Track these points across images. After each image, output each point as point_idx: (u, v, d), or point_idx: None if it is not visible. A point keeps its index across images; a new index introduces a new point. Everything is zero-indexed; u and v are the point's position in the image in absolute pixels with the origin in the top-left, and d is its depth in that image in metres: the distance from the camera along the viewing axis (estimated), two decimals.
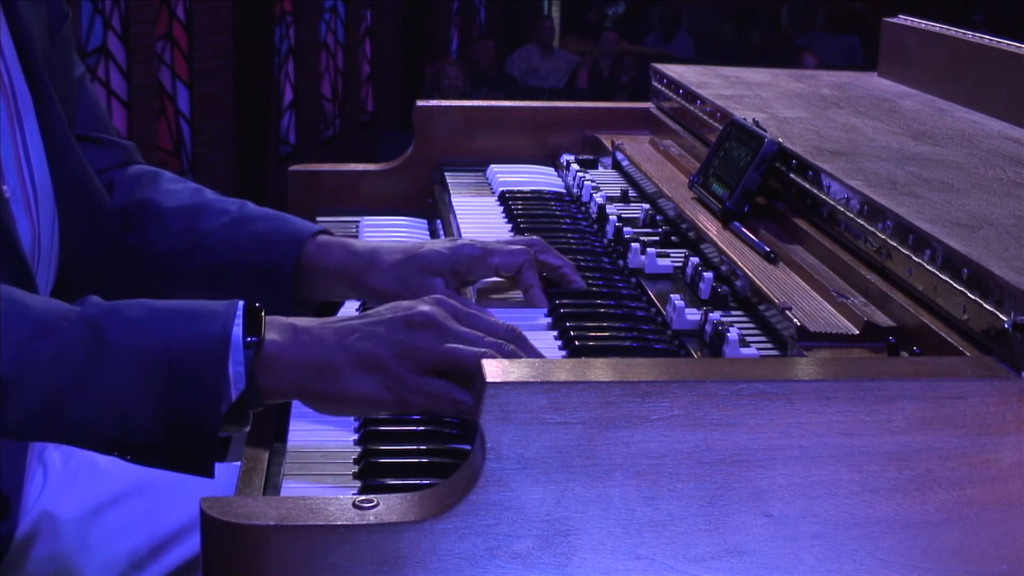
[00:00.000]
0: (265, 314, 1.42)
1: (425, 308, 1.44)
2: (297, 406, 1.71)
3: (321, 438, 1.63)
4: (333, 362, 1.41)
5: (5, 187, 1.68)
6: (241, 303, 1.41)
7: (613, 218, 2.16)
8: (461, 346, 1.42)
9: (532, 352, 1.49)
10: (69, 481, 1.85)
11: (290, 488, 1.51)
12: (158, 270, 1.89)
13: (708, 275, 1.84)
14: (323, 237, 1.88)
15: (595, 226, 2.25)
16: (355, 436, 1.62)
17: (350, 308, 2.03)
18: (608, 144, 2.69)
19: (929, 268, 1.52)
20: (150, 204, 1.94)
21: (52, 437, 1.42)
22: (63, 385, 1.36)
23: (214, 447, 1.39)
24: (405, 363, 1.41)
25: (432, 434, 1.61)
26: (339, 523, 1.22)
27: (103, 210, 1.91)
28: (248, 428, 1.44)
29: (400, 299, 1.58)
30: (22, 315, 1.38)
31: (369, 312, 1.47)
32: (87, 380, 1.36)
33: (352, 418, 1.67)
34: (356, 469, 1.54)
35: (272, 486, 1.53)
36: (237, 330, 1.39)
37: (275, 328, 1.42)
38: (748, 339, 1.63)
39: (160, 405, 1.36)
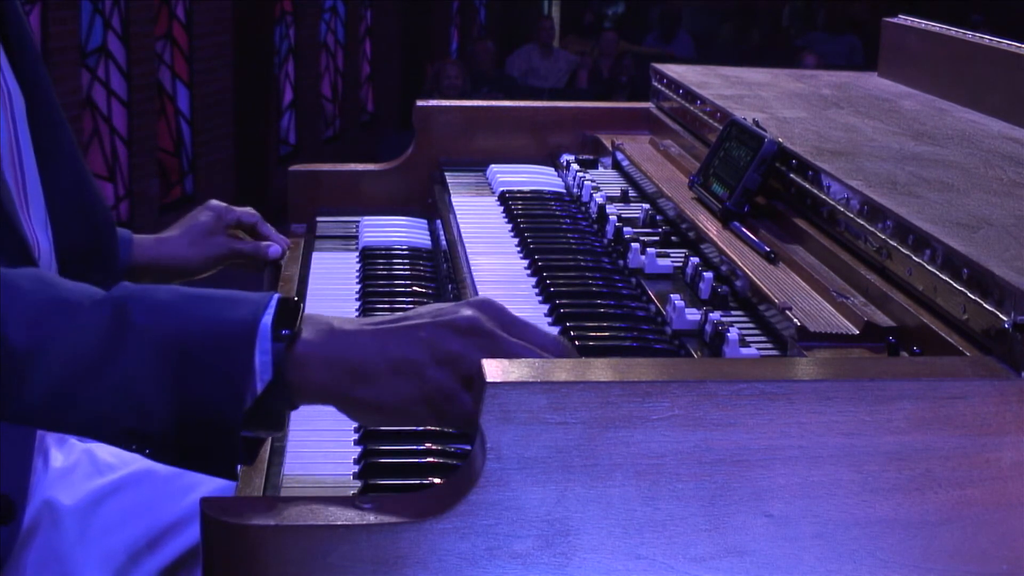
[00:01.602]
0: (303, 309, 1.37)
1: (469, 312, 1.35)
2: None
3: (321, 437, 1.63)
4: (369, 366, 1.33)
5: (9, 180, 1.69)
6: (277, 294, 1.36)
7: (613, 218, 2.16)
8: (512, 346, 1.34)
9: None
10: (69, 472, 1.85)
11: (290, 488, 1.52)
12: None
13: (708, 275, 1.84)
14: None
15: (595, 226, 2.25)
16: (355, 436, 1.62)
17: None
18: (608, 144, 2.69)
19: (929, 268, 1.52)
20: None
21: (67, 425, 1.36)
22: (82, 365, 1.30)
23: (236, 444, 1.31)
24: (445, 371, 1.33)
25: (432, 434, 1.61)
26: (339, 523, 1.22)
27: (98, 211, 1.91)
28: (282, 432, 1.37)
29: (208, 262, 2.24)
30: (46, 292, 1.34)
31: (410, 313, 1.39)
32: (107, 362, 1.30)
33: None
34: (356, 469, 1.54)
35: (272, 486, 1.52)
36: (267, 318, 1.32)
37: (311, 325, 1.36)
38: (748, 339, 1.63)
39: (181, 392, 1.30)
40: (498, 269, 2.05)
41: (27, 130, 1.78)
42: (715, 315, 1.69)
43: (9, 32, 1.78)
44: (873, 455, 1.26)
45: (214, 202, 2.35)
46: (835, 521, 1.26)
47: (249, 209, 2.38)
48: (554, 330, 1.79)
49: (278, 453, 1.59)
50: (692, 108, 2.58)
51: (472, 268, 2.06)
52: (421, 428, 1.62)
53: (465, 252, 2.14)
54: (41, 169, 1.82)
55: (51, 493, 1.82)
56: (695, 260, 1.92)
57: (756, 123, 2.14)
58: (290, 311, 1.34)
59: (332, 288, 2.23)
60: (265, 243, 2.35)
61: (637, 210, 2.27)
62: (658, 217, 2.23)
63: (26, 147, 1.77)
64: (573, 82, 12.25)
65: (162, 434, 1.32)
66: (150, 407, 1.31)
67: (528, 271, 2.05)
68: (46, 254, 1.79)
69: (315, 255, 2.46)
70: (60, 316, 1.33)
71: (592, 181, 2.45)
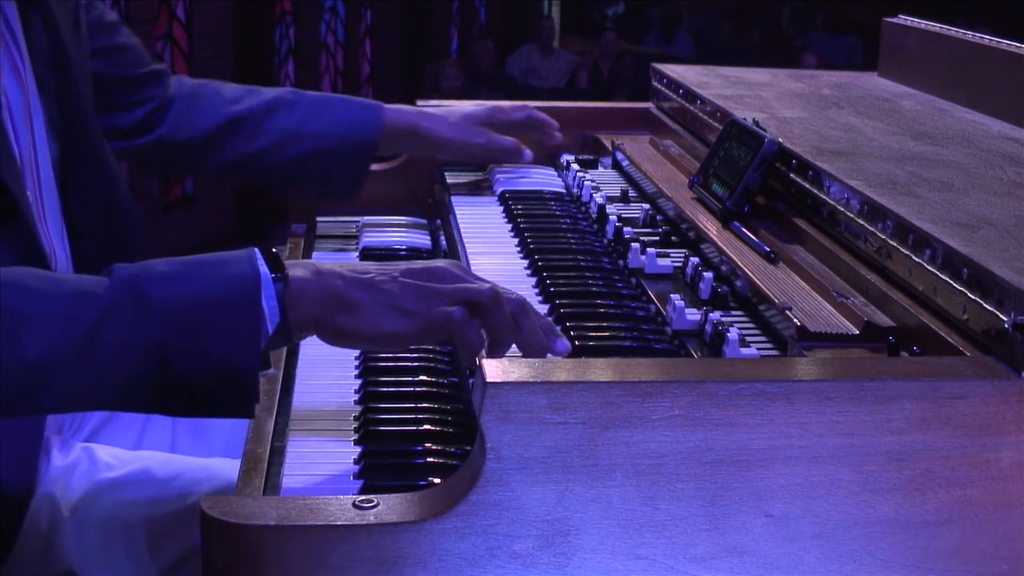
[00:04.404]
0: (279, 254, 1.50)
1: (442, 264, 1.52)
2: (297, 406, 1.71)
3: (320, 438, 1.63)
4: (354, 298, 1.47)
5: (28, 192, 1.71)
6: (256, 248, 1.48)
7: (613, 218, 2.16)
8: (474, 284, 1.49)
9: (537, 316, 1.53)
10: (69, 471, 1.85)
11: (290, 488, 1.51)
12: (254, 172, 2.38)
13: (708, 275, 1.84)
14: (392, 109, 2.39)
15: (595, 226, 2.24)
16: (355, 436, 1.62)
17: None
18: (608, 144, 2.69)
19: (929, 268, 1.52)
20: (240, 119, 2.35)
21: (98, 402, 1.45)
22: (112, 345, 1.38)
23: (256, 387, 1.44)
24: (422, 302, 1.48)
25: (432, 434, 1.61)
26: (339, 523, 1.22)
27: (127, 222, 1.94)
28: (270, 368, 1.50)
29: (464, 147, 2.41)
30: (57, 287, 1.41)
31: (385, 264, 1.54)
32: (135, 337, 1.39)
33: (351, 417, 1.67)
34: (356, 470, 1.54)
35: (272, 486, 1.52)
36: (264, 268, 1.45)
37: (297, 267, 1.49)
38: (748, 339, 1.63)
39: (204, 348, 1.41)
40: (498, 269, 2.05)
41: (45, 141, 1.80)
42: (715, 315, 1.69)
43: (35, 41, 1.80)
44: (873, 455, 1.26)
45: (490, 103, 2.50)
46: (835, 521, 1.26)
47: (518, 104, 2.54)
48: None
49: (278, 454, 1.59)
50: (692, 108, 2.58)
51: (472, 268, 2.05)
52: (422, 428, 1.62)
53: (465, 252, 2.14)
54: (71, 180, 1.85)
55: (51, 492, 1.83)
56: (695, 260, 1.92)
57: (756, 123, 2.14)
58: (274, 258, 1.48)
59: None
60: (525, 146, 2.49)
61: (637, 210, 2.27)
62: (658, 217, 2.23)
63: (43, 158, 1.79)
64: (573, 82, 12.25)
65: (188, 390, 1.42)
66: (176, 368, 1.40)
67: (528, 271, 2.05)
68: (63, 264, 1.81)
69: (315, 255, 2.46)
70: (82, 306, 1.39)
71: (592, 181, 2.45)
